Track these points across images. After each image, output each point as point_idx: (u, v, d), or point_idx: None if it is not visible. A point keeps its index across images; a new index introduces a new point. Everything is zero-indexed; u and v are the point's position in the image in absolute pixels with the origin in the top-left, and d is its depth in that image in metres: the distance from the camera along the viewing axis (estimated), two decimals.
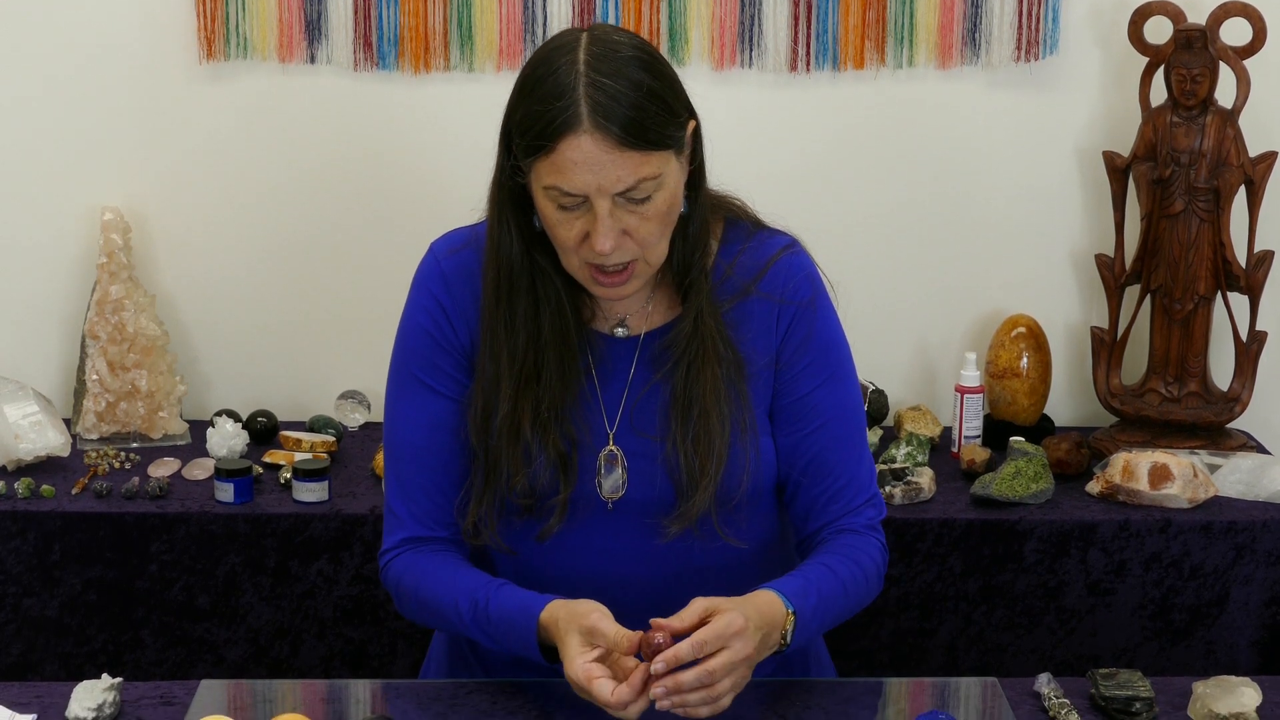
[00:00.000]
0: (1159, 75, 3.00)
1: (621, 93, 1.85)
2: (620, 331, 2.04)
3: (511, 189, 1.95)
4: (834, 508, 2.03)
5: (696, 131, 1.96)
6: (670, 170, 1.90)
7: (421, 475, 2.04)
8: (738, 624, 1.81)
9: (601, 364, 2.03)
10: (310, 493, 2.79)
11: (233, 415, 3.08)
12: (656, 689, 1.79)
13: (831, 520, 2.03)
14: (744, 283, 2.02)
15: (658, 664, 1.79)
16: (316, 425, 3.08)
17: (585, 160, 1.85)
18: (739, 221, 2.06)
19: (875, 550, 2.04)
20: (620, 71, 1.86)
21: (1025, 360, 3.07)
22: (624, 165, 1.85)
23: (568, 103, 1.84)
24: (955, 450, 3.04)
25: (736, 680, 1.82)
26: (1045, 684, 2.02)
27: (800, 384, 2.03)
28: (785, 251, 2.05)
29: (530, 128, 1.87)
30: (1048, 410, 3.17)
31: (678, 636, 1.81)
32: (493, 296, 1.99)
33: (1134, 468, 2.83)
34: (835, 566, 1.98)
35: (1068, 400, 3.24)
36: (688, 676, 1.78)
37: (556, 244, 1.93)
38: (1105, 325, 3.11)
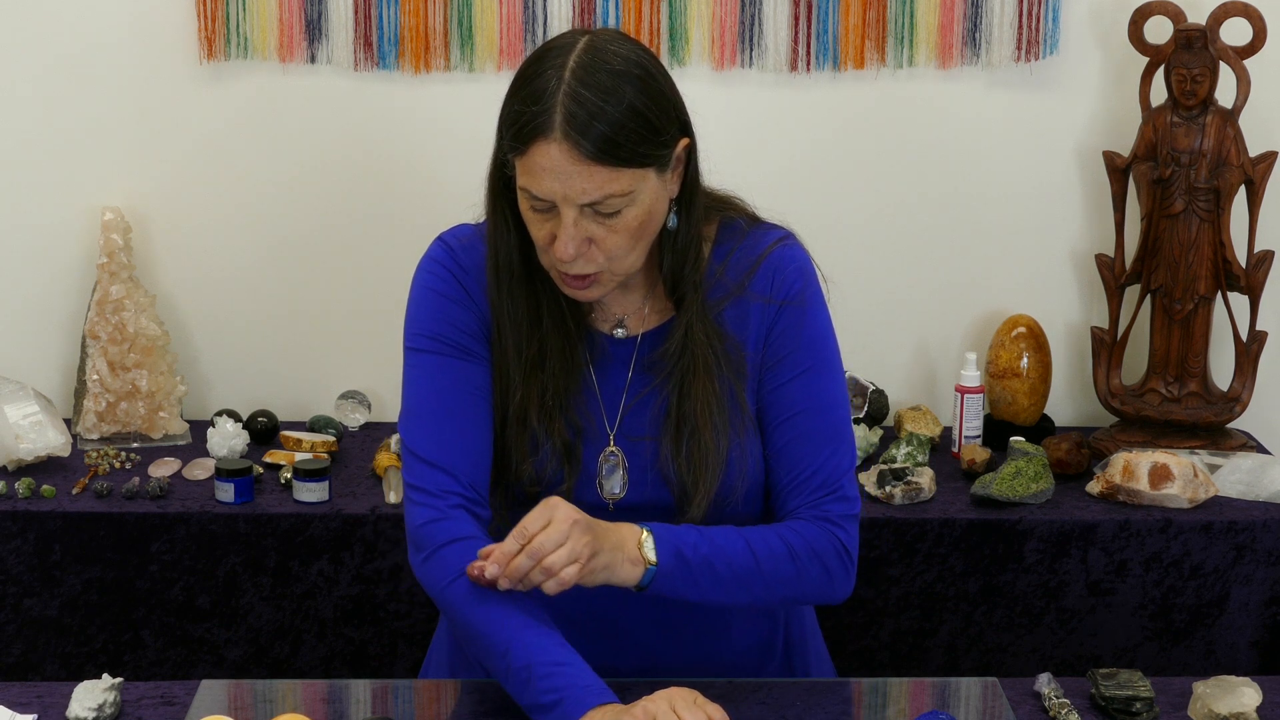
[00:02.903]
0: (1159, 75, 3.00)
1: (600, 108, 1.84)
2: (619, 332, 2.04)
3: (504, 180, 1.96)
4: (795, 499, 2.01)
5: (690, 150, 1.96)
6: (646, 187, 1.90)
7: (458, 432, 1.98)
8: (553, 503, 1.86)
9: (600, 362, 2.03)
10: (310, 493, 2.79)
11: (233, 415, 3.08)
12: (501, 581, 1.83)
13: (792, 510, 2.01)
14: (737, 281, 2.02)
15: (491, 566, 1.83)
16: (317, 425, 3.08)
17: (553, 168, 1.85)
18: (733, 221, 2.06)
19: (820, 537, 1.99)
20: (605, 85, 1.85)
21: (1025, 360, 3.07)
22: (591, 179, 1.86)
23: (543, 109, 1.85)
24: (955, 450, 3.05)
25: (574, 549, 1.83)
26: (1045, 684, 2.02)
27: (779, 374, 2.02)
28: (778, 245, 2.04)
29: (510, 126, 1.89)
30: (1048, 410, 3.18)
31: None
32: (494, 285, 2.00)
33: (1134, 468, 2.83)
34: (746, 531, 1.97)
35: (1068, 400, 3.24)
36: (520, 559, 1.83)
37: (532, 240, 1.94)
38: (1105, 325, 3.11)
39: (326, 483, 2.80)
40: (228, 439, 2.95)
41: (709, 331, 1.99)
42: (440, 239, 2.06)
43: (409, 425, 2.00)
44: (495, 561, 1.83)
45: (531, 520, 1.84)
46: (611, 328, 2.04)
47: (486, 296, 2.01)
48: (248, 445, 2.99)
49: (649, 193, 1.90)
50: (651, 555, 1.90)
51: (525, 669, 1.85)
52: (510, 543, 1.84)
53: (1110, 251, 3.11)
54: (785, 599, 2.03)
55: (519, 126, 1.87)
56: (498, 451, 2.01)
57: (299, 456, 2.93)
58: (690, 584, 1.93)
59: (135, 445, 3.03)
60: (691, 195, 1.98)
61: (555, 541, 1.83)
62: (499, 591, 1.90)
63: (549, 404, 1.99)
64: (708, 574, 1.93)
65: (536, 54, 1.92)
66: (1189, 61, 2.95)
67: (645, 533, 1.91)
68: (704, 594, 1.94)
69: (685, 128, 1.95)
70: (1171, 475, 2.82)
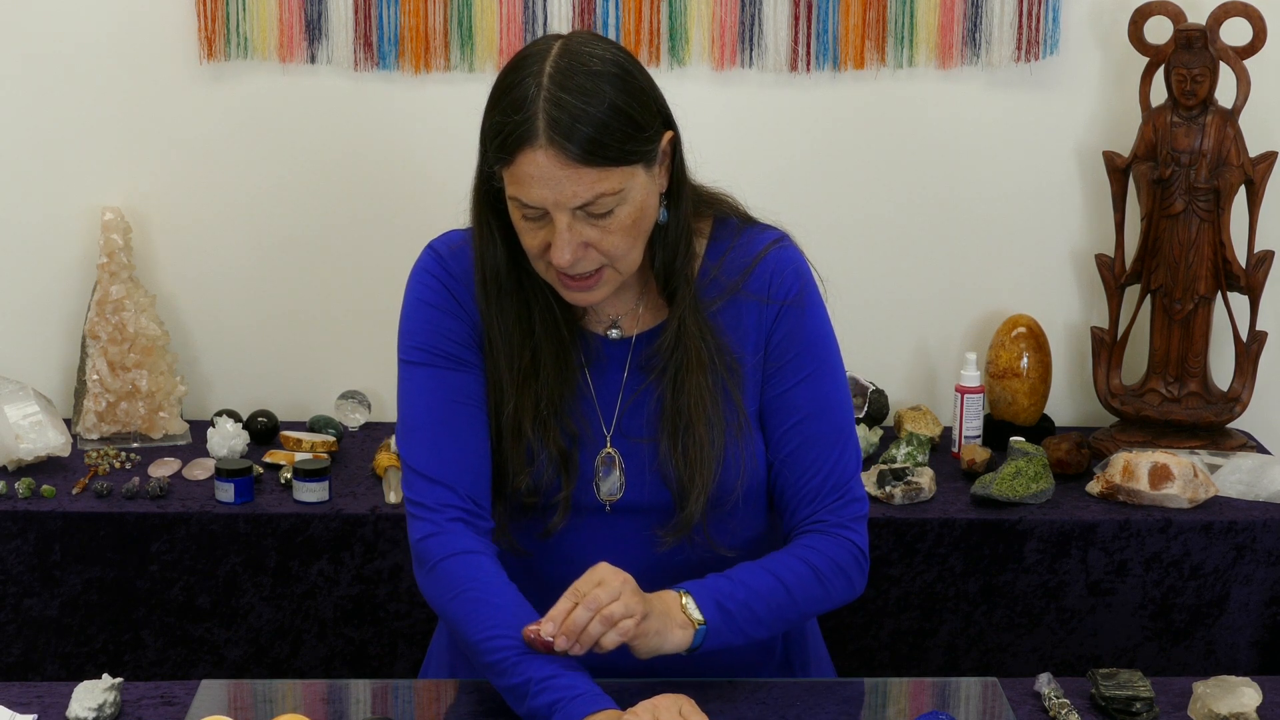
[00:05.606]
0: (1159, 75, 3.00)
1: (582, 110, 1.84)
2: (614, 333, 2.04)
3: (489, 192, 1.95)
4: (806, 508, 2.02)
5: (675, 143, 1.96)
6: (635, 184, 1.89)
7: (455, 445, 1.98)
8: (601, 567, 1.86)
9: (595, 364, 2.03)
10: (310, 493, 2.79)
11: (233, 415, 3.08)
12: (559, 639, 1.82)
13: (805, 519, 2.02)
14: (732, 281, 2.02)
15: (547, 624, 1.83)
16: (317, 425, 3.08)
17: (541, 175, 1.85)
18: (727, 219, 2.06)
19: (838, 548, 2.01)
20: (585, 87, 1.85)
21: (1025, 360, 3.07)
22: (581, 181, 1.85)
23: (525, 117, 1.85)
24: (955, 450, 3.05)
25: (629, 604, 1.83)
26: (1045, 684, 2.02)
27: (783, 379, 2.02)
28: (773, 246, 2.04)
29: (494, 137, 1.89)
30: (1048, 410, 3.17)
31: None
32: (483, 297, 2.00)
33: (1134, 468, 2.83)
34: (769, 563, 1.98)
35: (1068, 400, 3.24)
36: (578, 612, 1.82)
37: (525, 250, 1.94)
38: (1105, 325, 3.11)
39: (326, 483, 2.80)
40: (228, 439, 2.95)
41: (702, 327, 1.99)
42: (430, 247, 2.06)
43: (406, 440, 2.01)
44: (551, 619, 1.83)
45: (581, 582, 1.85)
46: (606, 329, 2.04)
47: (477, 304, 2.01)
48: (248, 445, 2.99)
49: (639, 189, 1.90)
50: (697, 614, 1.90)
51: (524, 683, 1.85)
52: (564, 602, 1.84)
53: (1110, 251, 3.11)
54: (815, 615, 2.06)
55: (503, 137, 1.87)
56: (495, 462, 2.01)
57: (299, 456, 2.93)
58: (735, 632, 1.94)
59: (135, 445, 3.03)
60: (679, 188, 1.98)
61: (610, 595, 1.83)
62: (499, 605, 1.90)
63: (543, 413, 1.99)
64: (749, 618, 1.94)
65: (512, 63, 1.91)
66: (1189, 61, 2.95)
67: (683, 594, 1.91)
68: (748, 637, 1.96)
69: (668, 121, 1.95)
70: (1171, 475, 2.82)
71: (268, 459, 2.95)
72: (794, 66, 3.07)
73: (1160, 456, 2.84)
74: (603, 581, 1.84)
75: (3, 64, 3.05)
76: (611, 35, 3.01)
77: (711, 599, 1.92)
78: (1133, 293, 3.12)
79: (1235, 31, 2.97)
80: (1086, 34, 3.09)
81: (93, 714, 1.92)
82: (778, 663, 2.14)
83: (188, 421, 3.11)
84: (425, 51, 3.04)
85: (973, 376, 3.05)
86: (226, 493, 2.78)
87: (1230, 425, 3.11)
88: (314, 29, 3.03)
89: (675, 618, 1.89)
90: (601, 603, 1.82)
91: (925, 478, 2.85)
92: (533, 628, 1.84)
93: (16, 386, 2.94)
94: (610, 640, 1.83)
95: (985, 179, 3.15)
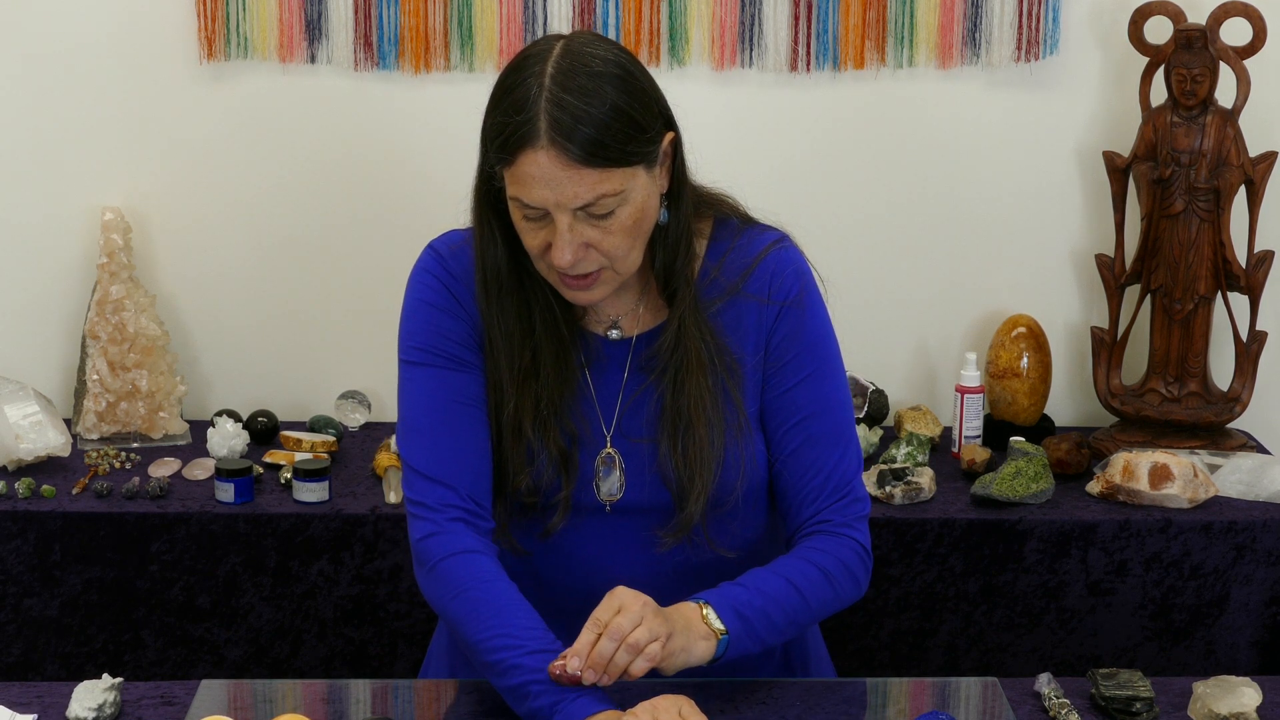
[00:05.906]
0: (1159, 75, 3.00)
1: (584, 111, 1.84)
2: (614, 334, 2.04)
3: (490, 191, 1.95)
4: (810, 507, 2.02)
5: (676, 143, 1.96)
6: (637, 185, 1.89)
7: (455, 445, 1.98)
8: (619, 591, 1.84)
9: (595, 364, 2.03)
10: (310, 493, 2.79)
11: (233, 415, 3.08)
12: (586, 673, 1.81)
13: (808, 519, 2.02)
14: (732, 281, 2.02)
15: (573, 659, 1.81)
16: (317, 425, 3.08)
17: (542, 176, 1.85)
18: (727, 220, 2.06)
19: (843, 549, 2.01)
20: (586, 88, 1.85)
21: (1025, 360, 3.07)
22: (582, 182, 1.85)
23: (527, 117, 1.84)
24: (955, 450, 3.05)
25: (653, 628, 1.81)
26: (1045, 684, 2.02)
27: (783, 379, 2.02)
28: (774, 247, 2.04)
29: (495, 138, 1.88)
30: (1048, 410, 3.18)
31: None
32: (483, 296, 2.00)
33: (1134, 468, 2.83)
34: (779, 567, 1.97)
35: (1068, 400, 3.24)
36: (602, 643, 1.80)
37: (526, 250, 1.94)
38: (1105, 325, 3.11)
39: (326, 483, 2.80)
40: (228, 439, 2.95)
41: (702, 328, 1.99)
42: (430, 247, 2.06)
43: (406, 440, 2.00)
44: (576, 654, 1.82)
45: (602, 610, 1.83)
46: (606, 329, 2.04)
47: (477, 304, 2.01)
48: (248, 445, 2.99)
49: (640, 190, 1.90)
50: (719, 624, 1.89)
51: (524, 685, 1.85)
52: (586, 635, 1.82)
53: (1110, 251, 3.11)
54: (824, 617, 2.05)
55: (504, 138, 1.86)
56: (495, 462, 2.01)
57: (299, 456, 2.93)
58: (754, 640, 1.93)
59: (135, 445, 3.03)
60: (680, 189, 1.98)
61: (633, 622, 1.81)
62: (499, 605, 1.90)
63: (544, 413, 1.99)
64: (766, 625, 1.94)
65: (514, 63, 1.91)
66: (1189, 61, 2.95)
67: (703, 605, 1.90)
68: (765, 644, 1.95)
69: (669, 122, 1.95)
70: (1171, 475, 2.82)
71: (268, 459, 2.95)
72: (794, 66, 3.07)
73: (1160, 456, 2.84)
74: (623, 608, 1.82)
75: (3, 64, 3.05)
76: (611, 35, 3.01)
77: (730, 607, 1.91)
78: (1133, 293, 3.12)
79: (1235, 31, 2.98)
80: (1086, 34, 3.09)
81: (93, 714, 1.92)
82: (778, 663, 2.14)
83: (188, 421, 3.11)
84: (425, 51, 3.04)
85: (973, 376, 3.05)
86: (226, 493, 2.78)
87: (1230, 425, 3.11)
88: (314, 29, 3.03)
89: (697, 630, 1.88)
90: (625, 631, 1.81)
91: (925, 478, 2.85)
92: (558, 663, 1.82)
93: (16, 386, 2.94)
94: (639, 668, 1.82)
95: (985, 179, 3.15)
